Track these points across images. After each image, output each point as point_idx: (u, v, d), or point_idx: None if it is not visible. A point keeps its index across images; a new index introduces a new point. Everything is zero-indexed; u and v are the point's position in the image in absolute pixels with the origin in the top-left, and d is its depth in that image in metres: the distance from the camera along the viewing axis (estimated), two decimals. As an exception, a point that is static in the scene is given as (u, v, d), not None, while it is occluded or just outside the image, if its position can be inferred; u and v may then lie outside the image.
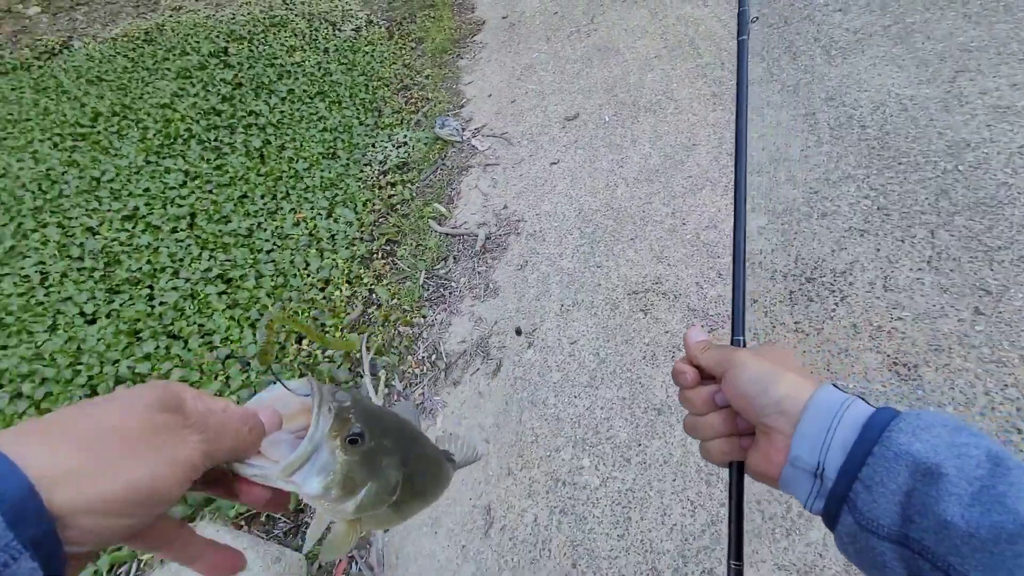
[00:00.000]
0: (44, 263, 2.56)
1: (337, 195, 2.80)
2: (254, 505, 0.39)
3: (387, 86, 3.76)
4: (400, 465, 0.46)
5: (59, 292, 2.40)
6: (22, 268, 2.53)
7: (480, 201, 2.67)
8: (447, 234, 2.49)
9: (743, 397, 0.43)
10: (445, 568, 1.46)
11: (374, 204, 2.74)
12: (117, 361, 2.08)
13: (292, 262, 2.43)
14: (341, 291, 2.25)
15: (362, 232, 2.57)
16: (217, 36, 4.24)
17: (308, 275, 2.36)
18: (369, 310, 2.17)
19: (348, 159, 3.06)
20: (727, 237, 2.04)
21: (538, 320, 2.01)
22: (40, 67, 4.28)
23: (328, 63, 3.98)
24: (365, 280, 2.29)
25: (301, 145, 3.16)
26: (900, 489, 0.34)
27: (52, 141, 3.39)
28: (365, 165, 3.05)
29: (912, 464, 0.34)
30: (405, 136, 3.19)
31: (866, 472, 0.35)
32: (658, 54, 3.21)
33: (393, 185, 2.85)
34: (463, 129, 3.18)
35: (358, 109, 3.50)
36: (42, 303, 2.36)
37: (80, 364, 2.08)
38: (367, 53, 4.14)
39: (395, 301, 2.17)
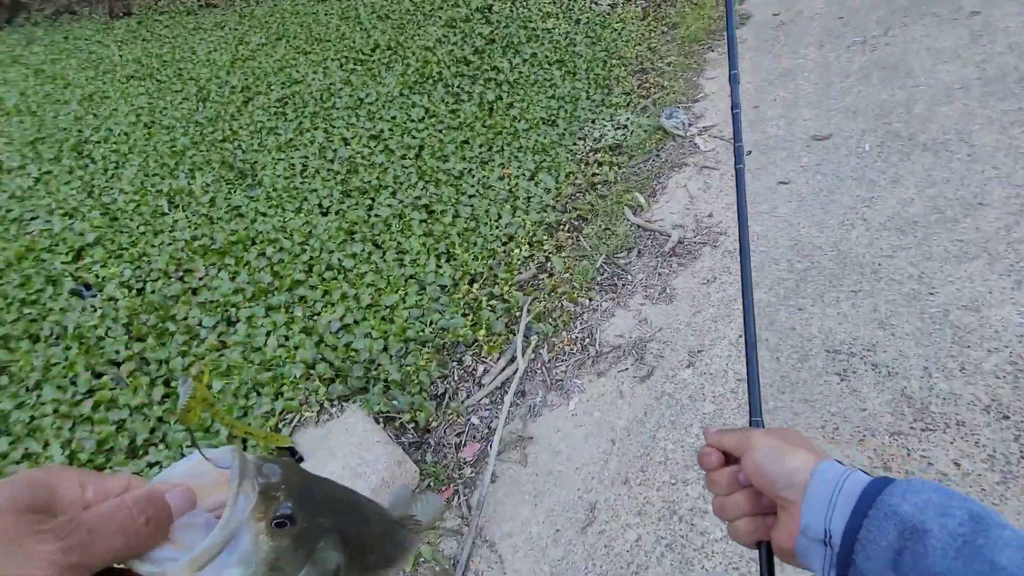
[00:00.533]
0: (307, 158, 3.11)
1: (545, 161, 2.87)
2: None
3: (625, 66, 3.70)
4: (340, 545, 0.39)
5: (310, 184, 2.91)
6: (292, 158, 3.13)
7: (684, 202, 2.50)
8: (639, 226, 2.39)
9: (760, 473, 0.46)
10: (535, 541, 1.46)
11: (576, 178, 2.75)
12: (332, 252, 2.46)
13: (487, 211, 2.58)
14: (520, 250, 2.33)
15: (556, 201, 2.61)
16: (487, -7, 4.59)
17: (496, 227, 2.49)
18: (540, 276, 2.21)
19: (565, 129, 3.10)
20: (990, 327, 1.60)
21: (708, 343, 1.83)
22: (355, 1, 5.14)
23: (575, 34, 4.05)
24: (545, 247, 2.33)
25: (527, 107, 3.30)
26: (891, 546, 0.38)
27: (339, 61, 4.07)
28: (579, 139, 3.06)
29: (900, 523, 0.38)
30: (627, 119, 3.12)
31: (863, 533, 0.39)
32: (965, 85, 2.58)
33: (600, 164, 2.82)
34: (689, 124, 2.99)
35: (589, 83, 3.52)
36: (297, 188, 2.89)
37: (307, 245, 2.51)
38: (615, 30, 4.11)
39: (567, 275, 2.17)
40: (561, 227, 2.44)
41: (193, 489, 0.33)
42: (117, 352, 2.15)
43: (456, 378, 1.86)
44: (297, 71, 4.02)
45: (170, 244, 2.63)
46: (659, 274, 2.14)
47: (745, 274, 0.63)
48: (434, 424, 1.69)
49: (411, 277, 2.32)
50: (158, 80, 4.28)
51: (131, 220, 2.82)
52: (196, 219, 2.78)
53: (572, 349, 1.89)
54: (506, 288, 2.14)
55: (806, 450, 0.45)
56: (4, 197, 3.13)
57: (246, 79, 4.05)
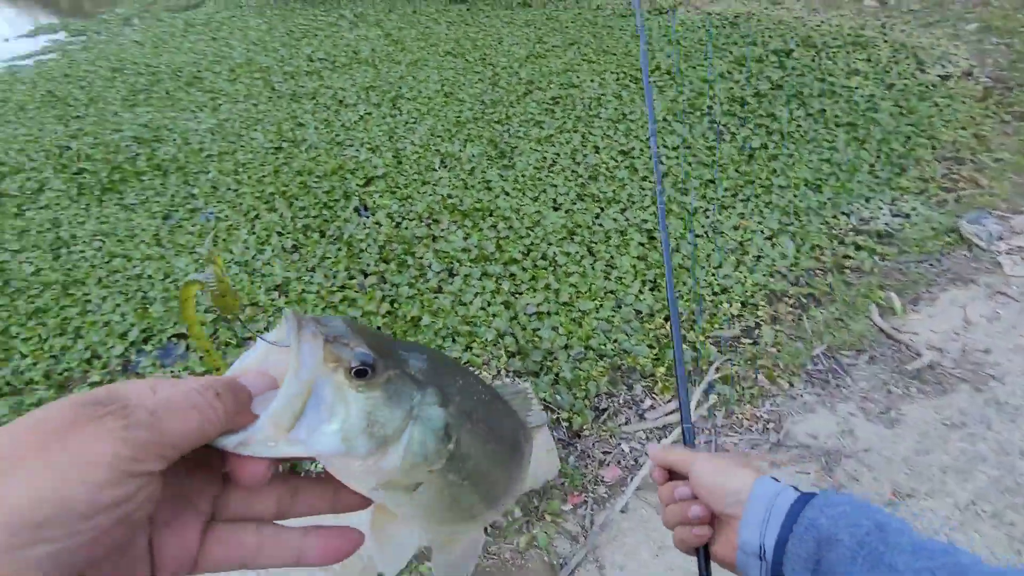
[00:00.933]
0: (558, 156, 3.38)
1: (791, 224, 2.64)
2: (260, 495, 0.32)
3: (934, 148, 3.14)
4: (443, 402, 0.34)
5: (552, 179, 3.16)
6: (546, 152, 3.43)
7: (955, 324, 2.06)
8: (883, 330, 2.06)
9: (707, 489, 0.51)
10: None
11: (822, 253, 2.47)
12: (551, 244, 2.65)
13: (708, 256, 2.50)
14: (730, 306, 2.21)
15: (789, 270, 2.38)
16: (791, 37, 4.32)
17: (713, 274, 2.39)
18: (743, 339, 2.08)
19: (829, 199, 2.79)
20: None
21: (924, 491, 1.51)
22: (662, 20, 5.34)
23: (881, 99, 3.57)
24: (760, 312, 2.16)
25: (793, 164, 3.05)
26: (810, 557, 0.42)
27: (617, 75, 4.27)
28: (842, 213, 2.73)
29: (817, 535, 0.42)
30: (913, 208, 2.67)
31: (789, 546, 0.43)
32: None
33: (858, 248, 2.48)
34: (999, 238, 2.42)
35: (879, 157, 3.08)
36: (541, 180, 3.17)
37: (532, 231, 2.76)
38: (936, 105, 3.50)
39: (774, 350, 2.00)
40: (785, 298, 2.24)
41: (269, 373, 0.31)
42: (368, 265, 2.68)
43: (621, 401, 1.88)
44: (577, 76, 4.36)
45: (430, 196, 3.15)
46: (889, 391, 1.82)
47: None
48: (586, 433, 1.75)
49: (611, 292, 2.39)
50: (466, 59, 5.05)
51: (410, 167, 3.44)
52: (455, 181, 3.26)
53: (751, 426, 1.75)
54: (701, 337, 2.07)
55: (748, 469, 0.49)
56: (338, 125, 4.10)
57: (532, 74, 4.54)
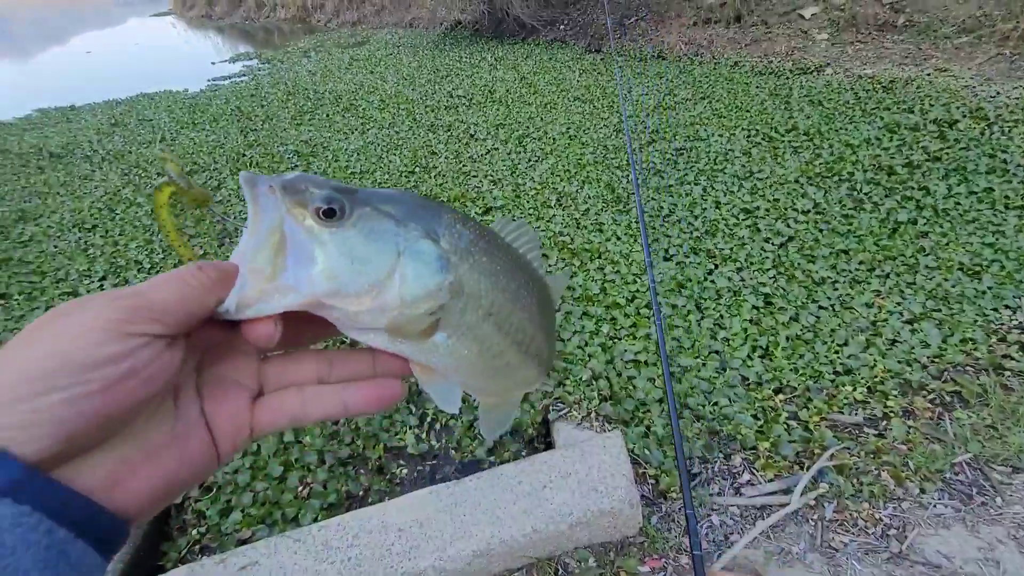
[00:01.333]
0: (675, 207, 3.33)
1: (939, 311, 2.34)
2: (269, 349, 0.35)
3: None
4: (430, 236, 0.33)
5: (667, 230, 3.11)
6: (662, 201, 3.39)
7: None
8: (1048, 449, 1.73)
9: None
10: None
11: (974, 349, 2.16)
12: (658, 294, 2.60)
13: (832, 331, 2.29)
14: (854, 390, 1.99)
15: (931, 361, 2.11)
16: (957, 106, 3.93)
17: (836, 352, 2.18)
18: (866, 428, 1.86)
19: (989, 288, 2.44)
20: None
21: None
22: (805, 80, 5.16)
23: (1069, 183, 3.09)
24: (890, 402, 1.93)
25: (947, 244, 2.73)
26: None
27: (748, 132, 4.15)
28: (1005, 306, 2.37)
29: None
30: (1104, 312, 2.25)
31: None
32: None
33: (1023, 349, 2.13)
34: None
35: (1060, 248, 2.65)
36: (655, 228, 3.14)
37: (639, 279, 2.72)
38: None
39: (904, 447, 1.76)
40: (923, 392, 1.98)
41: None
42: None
43: (716, 469, 1.76)
44: (704, 130, 4.30)
45: (542, 231, 3.24)
46: (1052, 525, 1.52)
47: None
48: (673, 496, 1.66)
49: (716, 352, 2.27)
50: (594, 105, 5.21)
51: (527, 202, 3.58)
52: (568, 220, 3.34)
53: (868, 527, 1.54)
54: (816, 418, 1.88)
55: None
56: (467, 156, 4.39)
57: (659, 124, 4.56)
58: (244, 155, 4.81)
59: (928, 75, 4.64)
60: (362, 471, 1.95)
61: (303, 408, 0.36)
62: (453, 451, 2.00)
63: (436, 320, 0.34)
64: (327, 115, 5.82)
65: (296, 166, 4.48)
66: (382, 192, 0.35)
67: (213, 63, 10.24)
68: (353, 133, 5.17)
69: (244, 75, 8.72)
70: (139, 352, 0.28)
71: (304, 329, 0.36)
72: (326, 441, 2.01)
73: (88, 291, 3.05)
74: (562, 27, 8.11)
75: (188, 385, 0.33)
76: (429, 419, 2.11)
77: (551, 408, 2.03)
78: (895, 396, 1.95)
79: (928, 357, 2.12)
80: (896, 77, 4.68)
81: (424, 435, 2.05)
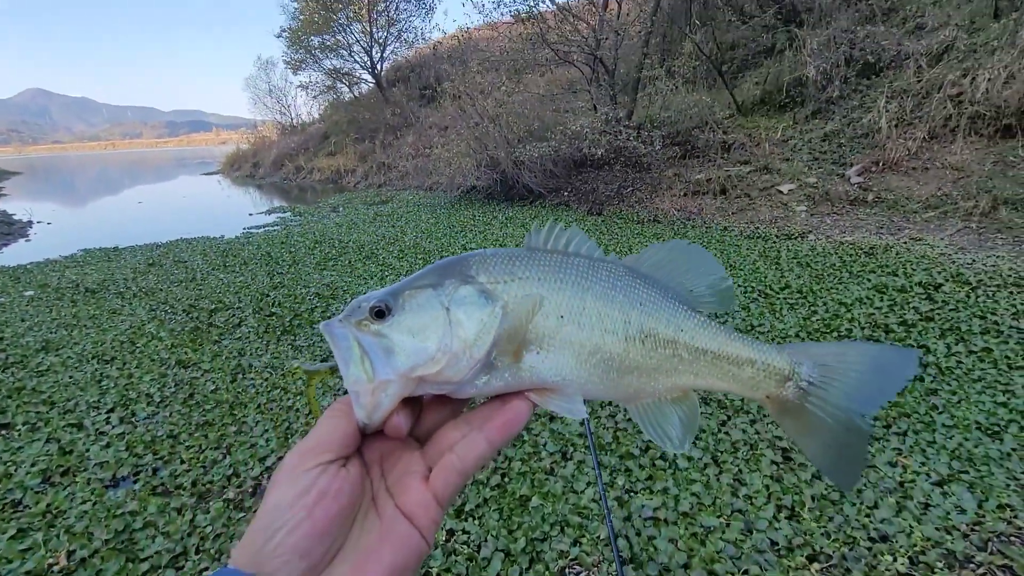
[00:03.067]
0: (684, 356, 3.41)
1: (967, 473, 2.26)
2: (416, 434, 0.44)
3: None
4: (465, 281, 0.39)
5: (678, 378, 3.15)
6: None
7: None
8: None
9: None
10: None
11: (1014, 514, 2.04)
12: (673, 444, 2.54)
13: (860, 492, 2.19)
14: (895, 561, 1.84)
15: (972, 530, 1.98)
16: (939, 272, 4.22)
17: (868, 516, 2.06)
18: (916, 608, 1.68)
19: (1015, 450, 2.39)
20: None
21: None
22: (791, 244, 5.61)
23: (1065, 345, 3.19)
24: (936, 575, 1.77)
25: (958, 402, 2.73)
26: None
27: (744, 288, 4.40)
28: (1034, 469, 2.29)
29: None
30: None
31: None
32: None
33: (1066, 517, 2.01)
34: None
35: (1074, 409, 2.65)
36: (665, 377, 3.18)
37: (654, 428, 2.68)
38: None
39: (962, 633, 1.58)
40: (971, 565, 1.82)
41: None
42: (486, 434, 2.75)
43: (755, 654, 1.56)
44: (704, 285, 4.56)
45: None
46: None
47: None
48: None
49: (739, 512, 2.15)
50: (598, 261, 5.60)
51: (538, 347, 3.68)
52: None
53: None
54: (858, 593, 1.72)
55: None
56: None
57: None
58: (268, 295, 5.08)
59: (905, 243, 5.06)
60: None
61: (460, 461, 0.41)
62: None
63: (518, 345, 0.39)
64: (349, 262, 6.26)
65: (315, 307, 4.70)
66: (416, 273, 0.42)
67: (250, 214, 11.28)
68: (372, 279, 5.50)
69: (277, 225, 9.55)
70: (320, 478, 0.37)
71: (434, 411, 0.44)
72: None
73: (94, 423, 3.00)
74: (566, 193, 9.08)
75: (380, 491, 0.41)
76: (433, 580, 1.93)
77: (567, 570, 1.87)
78: (941, 569, 1.80)
79: (967, 524, 2.00)
80: (875, 244, 5.09)
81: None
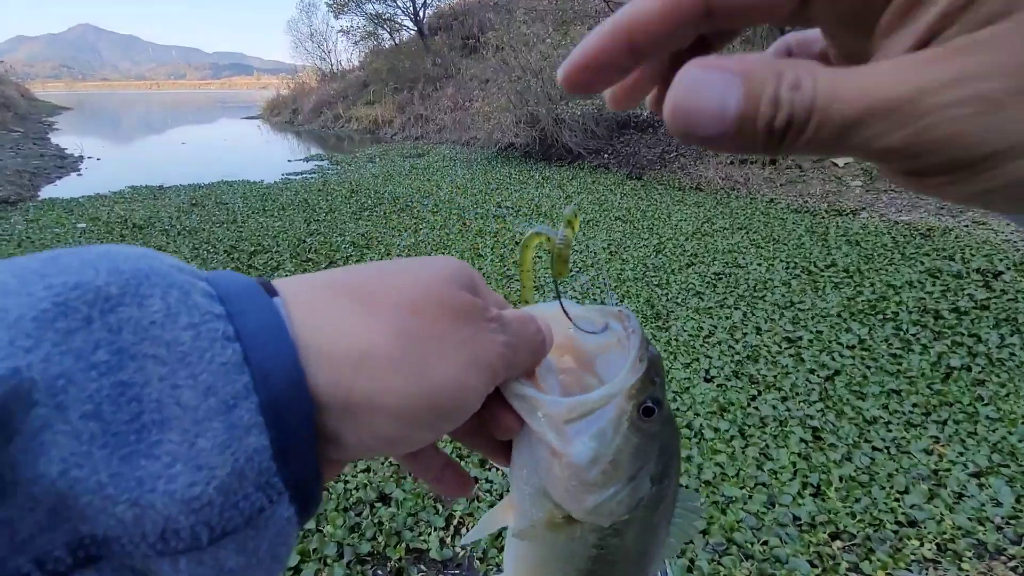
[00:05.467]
0: (715, 329, 3.34)
1: (1008, 467, 2.19)
2: (477, 447, 0.32)
3: None
4: (655, 479, 0.32)
5: (707, 350, 3.10)
6: (702, 323, 3.42)
7: None
8: None
9: None
10: None
11: (1055, 513, 1.97)
12: (699, 415, 2.53)
13: (890, 476, 2.15)
14: (922, 545, 1.82)
15: (1007, 523, 1.92)
16: (1000, 259, 3.97)
17: (896, 500, 2.02)
18: (939, 594, 1.66)
19: (1062, 447, 2.29)
20: None
21: None
22: (841, 221, 5.36)
23: None
24: (964, 566, 1.74)
25: (1007, 395, 2.61)
26: None
27: (786, 264, 4.25)
28: (1082, 469, 2.20)
29: None
30: None
31: None
32: None
33: (1111, 520, 1.93)
34: None
35: None
36: (695, 348, 3.13)
37: (680, 398, 2.67)
38: None
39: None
40: (1002, 556, 1.78)
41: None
42: (512, 389, 2.79)
43: (769, 621, 1.58)
44: (743, 258, 4.43)
45: (582, 338, 3.27)
46: None
47: None
48: (722, 646, 1.48)
49: (763, 485, 2.14)
50: (634, 226, 5.48)
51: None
52: (608, 330, 3.37)
53: None
54: (880, 573, 1.71)
55: None
56: (510, 261, 4.60)
57: (697, 248, 4.73)
58: (304, 241, 5.18)
59: (966, 226, 4.75)
60: (380, 572, 1.83)
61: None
62: (478, 561, 1.87)
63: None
64: (384, 213, 6.29)
65: (350, 257, 4.77)
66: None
67: (289, 160, 11.40)
68: (406, 231, 5.53)
69: (314, 173, 9.63)
70: (477, 408, 0.27)
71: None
72: (348, 533, 1.92)
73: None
74: (606, 155, 8.82)
75: None
76: (456, 522, 2.01)
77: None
78: (970, 559, 1.77)
79: (1002, 518, 1.94)
80: (933, 226, 4.81)
81: (449, 539, 1.94)
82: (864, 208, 5.56)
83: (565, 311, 0.32)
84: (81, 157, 11.77)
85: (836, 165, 6.48)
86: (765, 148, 0.17)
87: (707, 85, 0.17)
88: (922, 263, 4.05)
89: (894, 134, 0.15)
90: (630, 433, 0.30)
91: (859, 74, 0.16)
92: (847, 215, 5.46)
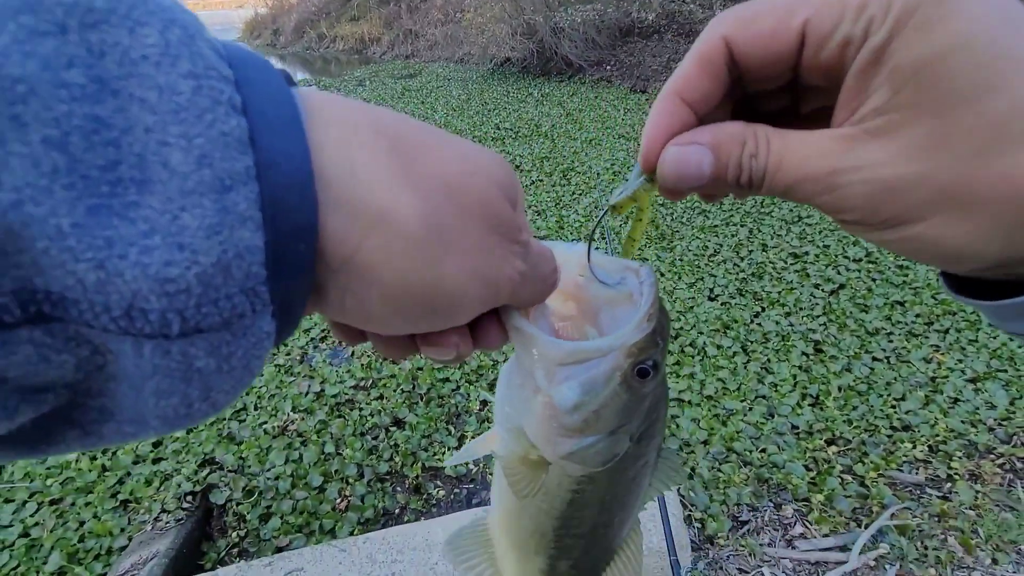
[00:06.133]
0: (720, 247, 3.31)
1: (1005, 371, 2.23)
2: (452, 353, 0.26)
3: None
4: (633, 438, 0.32)
5: (711, 268, 3.09)
6: (707, 241, 3.37)
7: None
8: None
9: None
10: None
11: (1046, 413, 2.04)
12: (702, 334, 2.56)
13: (888, 384, 2.20)
14: (914, 447, 1.90)
15: (999, 424, 2.00)
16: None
17: (892, 406, 2.09)
18: (929, 489, 1.76)
19: (1061, 351, 2.33)
20: None
21: None
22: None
23: None
24: (953, 463, 1.83)
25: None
26: None
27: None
28: (1079, 371, 2.24)
29: None
30: None
31: None
32: None
33: (1101, 418, 2.00)
34: None
35: None
36: (699, 267, 3.11)
37: (684, 317, 2.69)
38: None
39: (972, 512, 1.66)
40: (991, 455, 1.87)
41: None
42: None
43: (765, 519, 1.69)
44: (751, 173, 4.29)
45: (586, 261, 3.26)
46: None
47: None
48: (721, 542, 1.59)
49: (763, 397, 2.21)
50: (638, 144, 5.25)
51: (571, 233, 3.61)
52: (611, 255, 3.34)
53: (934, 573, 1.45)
54: (873, 474, 1.80)
55: None
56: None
57: (704, 165, 4.57)
58: (299, 173, 5.04)
59: None
60: (399, 489, 1.94)
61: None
62: (490, 475, 1.98)
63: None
64: (378, 140, 6.05)
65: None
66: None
67: (274, 87, 10.84)
68: (403, 158, 5.35)
69: (302, 100, 9.18)
70: (470, 319, 0.26)
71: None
72: (366, 455, 2.02)
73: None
74: (608, 67, 8.32)
75: None
76: (468, 441, 2.11)
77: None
78: (960, 458, 1.85)
79: (995, 419, 2.01)
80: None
81: (462, 457, 2.04)
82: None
83: (589, 257, 0.31)
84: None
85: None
86: (736, 195, 0.25)
87: (689, 155, 0.24)
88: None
89: (821, 197, 0.22)
90: (620, 389, 0.29)
91: (798, 147, 0.22)
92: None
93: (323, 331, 2.77)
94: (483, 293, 0.23)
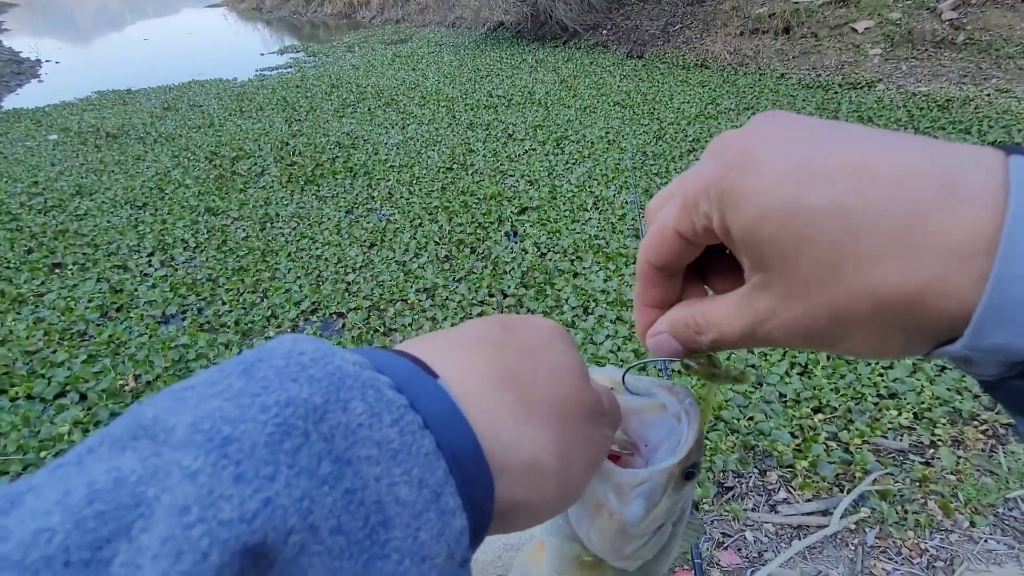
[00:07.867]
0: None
1: (994, 339, 2.24)
2: None
3: None
4: (676, 522, 0.36)
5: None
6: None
7: None
8: (1110, 492, 1.63)
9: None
10: None
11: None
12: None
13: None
14: (899, 415, 1.92)
15: (986, 392, 2.01)
16: (1019, 130, 3.77)
17: (880, 376, 2.10)
18: (912, 456, 1.79)
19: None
20: None
21: None
22: (855, 95, 5.03)
23: None
24: (937, 430, 1.85)
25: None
26: None
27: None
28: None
29: None
30: None
31: None
32: None
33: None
34: None
35: None
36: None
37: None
38: None
39: (952, 477, 1.69)
40: (974, 422, 1.89)
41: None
42: (508, 287, 2.80)
43: (750, 484, 1.72)
44: (748, 141, 4.22)
45: (577, 233, 3.22)
46: (1114, 572, 1.43)
47: None
48: (706, 507, 1.62)
49: (753, 367, 2.22)
50: (634, 111, 5.17)
51: (563, 204, 3.57)
52: (604, 223, 3.31)
53: (913, 558, 1.48)
54: (857, 441, 1.82)
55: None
56: (504, 156, 4.41)
57: (700, 132, 4.49)
58: (287, 143, 4.93)
59: (988, 95, 4.46)
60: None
61: None
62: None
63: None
64: (369, 109, 5.92)
65: (336, 157, 4.57)
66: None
67: (262, 54, 10.54)
68: (393, 128, 5.24)
69: (290, 67, 8.94)
70: None
71: None
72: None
73: (137, 265, 3.16)
74: (604, 32, 8.08)
75: None
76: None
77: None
78: (944, 424, 1.87)
79: (983, 388, 2.02)
80: (953, 96, 4.51)
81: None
82: (881, 79, 5.19)
83: (625, 386, 0.35)
84: (39, 61, 10.91)
85: (855, 31, 5.93)
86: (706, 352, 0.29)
87: (661, 342, 0.29)
88: (936, 137, 3.85)
89: (762, 343, 0.24)
90: (673, 493, 0.33)
91: (724, 314, 0.25)
92: (862, 88, 5.11)
93: (313, 304, 2.75)
94: (592, 472, 0.26)
